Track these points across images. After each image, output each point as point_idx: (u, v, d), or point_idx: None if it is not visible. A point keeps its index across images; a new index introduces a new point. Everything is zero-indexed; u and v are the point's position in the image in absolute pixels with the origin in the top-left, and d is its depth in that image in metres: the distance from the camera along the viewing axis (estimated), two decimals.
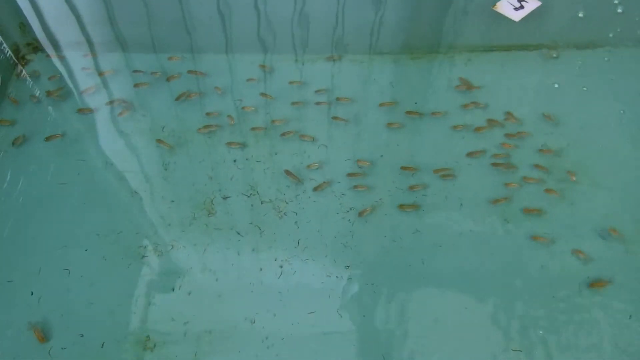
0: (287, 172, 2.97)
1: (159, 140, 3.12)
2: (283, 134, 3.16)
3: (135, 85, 3.37)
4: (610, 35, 3.76)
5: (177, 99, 3.25)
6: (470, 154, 3.06)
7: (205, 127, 3.18)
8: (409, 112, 3.24)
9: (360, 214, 2.84)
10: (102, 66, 3.54)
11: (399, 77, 3.47)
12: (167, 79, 3.34)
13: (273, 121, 3.22)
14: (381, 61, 3.55)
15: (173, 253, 2.73)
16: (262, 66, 3.48)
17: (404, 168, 3.01)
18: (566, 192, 2.97)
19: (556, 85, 3.47)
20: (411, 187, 2.96)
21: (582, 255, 2.69)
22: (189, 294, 2.62)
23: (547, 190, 2.94)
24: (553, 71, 3.55)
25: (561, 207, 2.91)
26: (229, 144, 3.11)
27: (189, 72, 3.41)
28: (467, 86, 3.33)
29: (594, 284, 2.61)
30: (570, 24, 3.84)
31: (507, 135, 3.14)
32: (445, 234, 2.81)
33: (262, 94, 3.36)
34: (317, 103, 3.28)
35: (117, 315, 2.55)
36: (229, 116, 3.26)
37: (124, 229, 2.80)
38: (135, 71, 3.44)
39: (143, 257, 2.73)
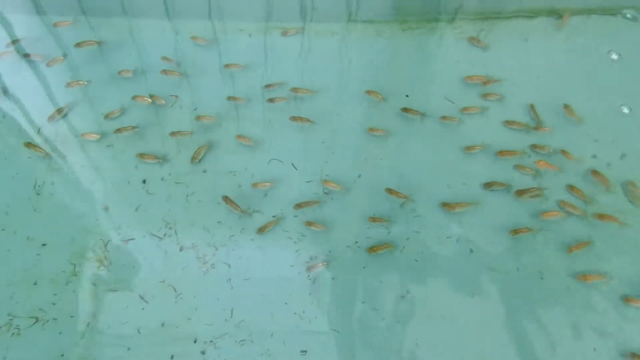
0: (227, 199, 1.98)
1: (29, 145, 2.08)
2: (205, 146, 2.15)
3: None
4: None
5: (50, 118, 2.19)
6: (489, 185, 2.11)
7: (119, 129, 2.15)
8: (405, 110, 2.25)
9: (308, 269, 1.90)
10: None
11: (385, 57, 2.47)
12: (48, 64, 2.26)
13: (198, 117, 2.20)
14: (360, 33, 2.54)
15: (38, 330, 1.80)
16: (195, 38, 2.41)
17: (390, 192, 2.05)
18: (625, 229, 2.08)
19: (614, 57, 2.47)
20: (382, 223, 2.03)
21: None
22: None
23: (600, 216, 2.07)
24: (609, 43, 2.53)
25: (616, 253, 2.01)
26: (141, 156, 2.08)
27: (79, 44, 2.31)
28: (482, 80, 2.34)
29: None
30: None
31: (536, 148, 2.19)
32: (450, 298, 1.90)
33: (166, 72, 2.32)
34: (271, 100, 2.26)
35: None
36: (152, 96, 2.24)
37: None
38: (13, 42, 2.34)
39: None
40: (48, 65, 2.28)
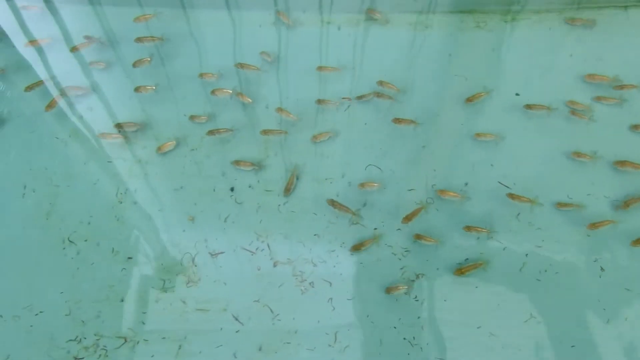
0: (334, 202, 1.81)
1: (104, 135, 1.97)
2: (297, 171, 1.97)
3: (75, 48, 2.19)
4: None
5: (111, 136, 2.03)
6: (627, 204, 1.85)
7: (212, 131, 2.01)
8: (529, 107, 2.01)
9: (388, 290, 1.73)
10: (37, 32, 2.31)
11: (487, 51, 2.21)
12: (134, 65, 2.12)
13: (279, 110, 2.03)
14: (457, 25, 2.28)
15: (127, 352, 1.66)
16: (284, 17, 2.23)
17: (512, 197, 1.84)
18: None
19: None
20: (481, 233, 1.80)
21: None
22: None
23: None
24: None
25: None
26: (237, 163, 1.91)
27: (141, 39, 2.14)
28: (608, 81, 2.07)
29: None
30: None
31: None
32: (580, 323, 1.69)
33: (242, 65, 2.13)
34: (378, 95, 2.08)
35: None
36: (238, 93, 2.08)
37: (46, 308, 1.74)
38: (87, 37, 2.20)
39: (75, 359, 1.62)
40: (134, 66, 2.13)
